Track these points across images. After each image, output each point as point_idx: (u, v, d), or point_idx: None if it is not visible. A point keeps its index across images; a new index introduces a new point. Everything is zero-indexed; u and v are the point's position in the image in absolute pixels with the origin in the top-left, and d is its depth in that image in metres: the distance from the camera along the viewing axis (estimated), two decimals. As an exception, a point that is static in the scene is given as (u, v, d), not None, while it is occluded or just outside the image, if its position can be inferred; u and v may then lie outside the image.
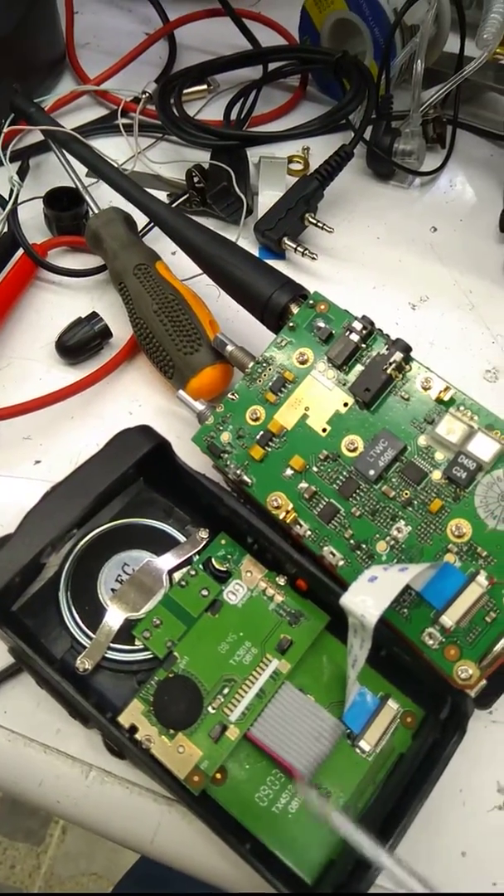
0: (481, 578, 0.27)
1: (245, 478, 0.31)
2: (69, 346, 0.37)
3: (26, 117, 0.42)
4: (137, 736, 0.27)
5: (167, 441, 0.31)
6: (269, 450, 0.31)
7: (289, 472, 0.31)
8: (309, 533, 0.30)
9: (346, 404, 0.31)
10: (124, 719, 0.27)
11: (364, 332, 0.31)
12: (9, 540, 0.28)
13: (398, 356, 0.30)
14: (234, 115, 0.49)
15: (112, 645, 0.28)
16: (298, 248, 0.41)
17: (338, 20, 0.48)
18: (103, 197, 0.42)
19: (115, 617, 0.29)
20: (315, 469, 0.30)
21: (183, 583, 0.30)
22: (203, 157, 0.45)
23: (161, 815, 0.28)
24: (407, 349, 0.30)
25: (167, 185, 0.46)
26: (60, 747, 0.29)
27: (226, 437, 0.32)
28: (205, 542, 0.31)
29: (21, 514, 0.29)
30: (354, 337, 0.31)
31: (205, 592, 0.29)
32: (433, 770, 0.26)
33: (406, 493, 0.29)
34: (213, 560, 0.30)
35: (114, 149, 0.46)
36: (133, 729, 0.27)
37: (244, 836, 0.26)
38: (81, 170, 0.42)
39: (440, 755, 0.26)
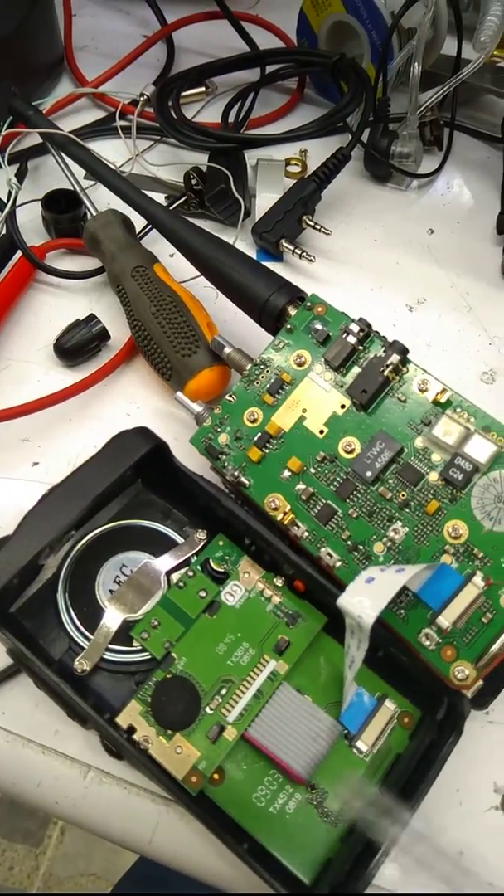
0: (478, 579, 0.27)
1: (243, 479, 0.31)
2: (67, 348, 0.37)
3: (24, 120, 0.43)
4: (135, 736, 0.27)
5: (165, 443, 0.31)
6: (267, 451, 0.31)
7: (286, 473, 0.31)
8: (306, 534, 0.30)
9: (343, 406, 0.31)
10: (122, 720, 0.27)
11: (361, 334, 0.31)
12: (7, 541, 0.28)
13: (395, 358, 0.30)
14: (231, 118, 0.49)
15: (110, 646, 0.29)
16: (296, 251, 0.41)
17: (335, 23, 0.48)
18: (101, 199, 0.42)
19: (113, 618, 0.29)
20: (312, 470, 0.30)
21: (181, 584, 0.30)
22: (201, 159, 0.46)
23: (159, 816, 0.28)
24: (404, 351, 0.30)
25: (165, 188, 0.46)
26: (59, 748, 0.29)
27: (223, 438, 0.32)
28: (203, 544, 0.31)
29: (19, 515, 0.29)
30: (351, 339, 0.31)
31: (203, 593, 0.30)
32: (430, 770, 0.26)
33: (403, 495, 0.29)
34: (210, 561, 0.30)
35: (112, 151, 0.46)
36: (131, 729, 0.27)
37: (242, 836, 0.26)
38: (80, 172, 0.42)
39: (437, 755, 0.26)
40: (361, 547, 0.29)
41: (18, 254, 0.40)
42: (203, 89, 0.51)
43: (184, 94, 0.49)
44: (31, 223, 0.43)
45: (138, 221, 0.40)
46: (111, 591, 0.30)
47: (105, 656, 0.28)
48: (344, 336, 0.31)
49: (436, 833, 0.28)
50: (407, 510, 0.29)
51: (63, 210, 0.42)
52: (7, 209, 0.41)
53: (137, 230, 0.41)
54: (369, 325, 0.31)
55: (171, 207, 0.44)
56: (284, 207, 0.42)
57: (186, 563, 0.30)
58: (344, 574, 0.29)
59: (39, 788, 0.28)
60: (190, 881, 0.28)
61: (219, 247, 0.36)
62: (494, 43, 0.45)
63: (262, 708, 0.28)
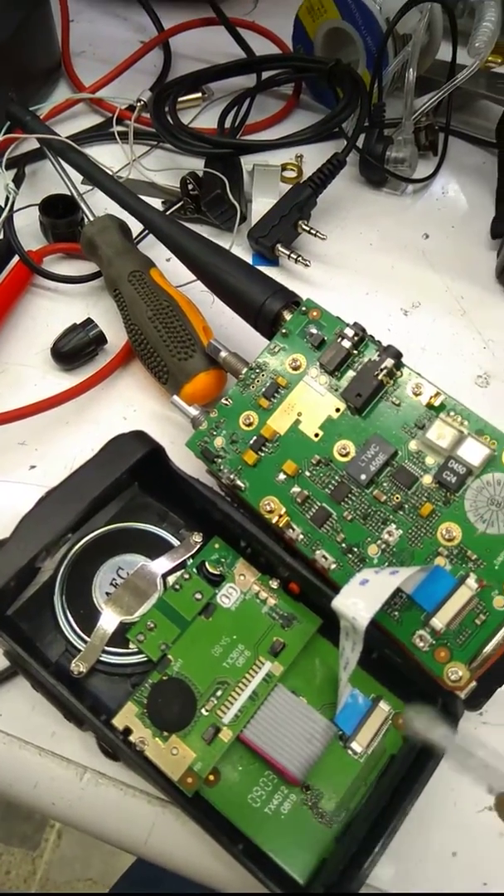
0: (471, 581, 0.27)
1: (238, 482, 0.31)
2: (64, 352, 0.38)
3: (22, 125, 0.43)
4: (131, 738, 0.27)
5: (161, 446, 0.31)
6: (262, 455, 0.31)
7: (281, 476, 0.31)
8: (301, 537, 0.30)
9: (338, 410, 0.31)
10: (118, 722, 0.27)
11: (356, 338, 0.31)
12: (4, 544, 0.29)
13: (389, 362, 0.30)
14: (228, 123, 0.49)
15: (107, 648, 0.29)
16: (292, 255, 0.42)
17: (331, 29, 0.49)
18: (98, 204, 0.42)
19: (109, 620, 0.29)
20: (307, 474, 0.31)
21: (177, 586, 0.30)
22: (197, 164, 0.46)
23: (155, 817, 0.28)
24: (398, 355, 0.30)
25: (162, 193, 0.46)
26: (55, 750, 0.29)
27: (219, 441, 0.32)
28: (198, 546, 0.31)
29: (16, 518, 0.29)
30: (346, 343, 0.31)
31: (198, 596, 0.30)
32: (424, 771, 0.26)
33: (397, 498, 0.29)
34: (206, 564, 0.30)
35: (109, 156, 0.47)
36: (127, 731, 0.27)
37: (237, 836, 0.26)
38: (77, 177, 0.42)
39: (430, 756, 0.26)
40: (356, 549, 0.29)
41: (16, 258, 0.40)
42: (199, 95, 0.51)
43: (180, 99, 0.50)
44: (28, 228, 0.43)
45: (135, 226, 0.40)
46: (108, 593, 0.30)
47: (101, 658, 0.29)
48: (339, 340, 0.31)
49: (428, 833, 0.28)
50: (401, 513, 0.29)
51: (60, 215, 0.42)
52: (4, 214, 0.41)
53: (134, 235, 0.42)
54: (364, 330, 0.31)
55: (168, 212, 0.44)
56: (280, 212, 0.43)
57: (182, 565, 0.31)
58: (339, 576, 0.29)
59: (36, 790, 0.29)
60: (186, 883, 0.29)
61: (215, 251, 0.36)
62: (489, 49, 0.45)
63: (258, 709, 0.28)
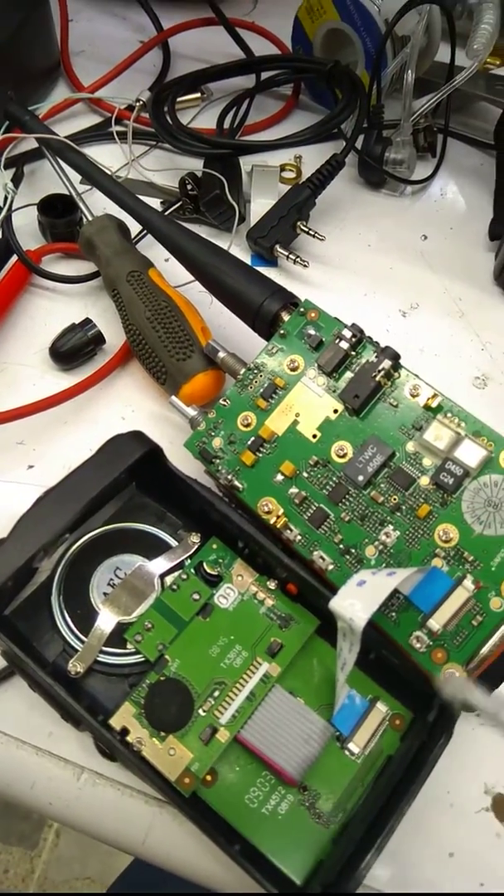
0: (468, 582, 0.27)
1: (236, 483, 0.31)
2: (63, 351, 0.38)
3: (21, 125, 0.43)
4: (129, 738, 0.27)
5: (159, 446, 0.31)
6: (260, 455, 0.31)
7: (279, 477, 0.31)
8: (299, 537, 0.30)
9: (335, 411, 0.31)
10: (116, 722, 0.27)
11: (353, 339, 0.31)
12: (2, 544, 0.29)
13: (387, 364, 0.30)
14: (227, 124, 0.49)
15: (104, 648, 0.29)
16: (290, 256, 0.42)
17: (330, 30, 0.49)
18: (97, 204, 0.42)
19: (106, 620, 0.29)
20: (305, 474, 0.31)
21: (174, 587, 0.30)
22: (196, 164, 0.46)
23: (152, 817, 0.28)
24: (395, 357, 0.30)
25: (160, 193, 0.46)
26: (53, 750, 0.29)
27: (217, 442, 0.32)
28: (196, 547, 0.31)
29: (14, 518, 0.29)
30: (344, 344, 0.31)
31: (196, 596, 0.30)
32: (420, 772, 0.26)
33: (394, 499, 0.29)
34: (204, 564, 0.30)
35: (108, 156, 0.47)
36: (124, 731, 0.27)
37: (234, 837, 0.26)
38: (75, 177, 0.42)
39: (427, 757, 0.26)
40: (353, 550, 0.29)
41: (14, 258, 0.40)
42: (198, 95, 0.51)
43: (179, 99, 0.50)
44: (27, 227, 0.43)
45: (134, 226, 0.40)
46: (105, 593, 0.30)
47: (99, 658, 0.29)
48: (336, 341, 0.31)
49: (426, 834, 0.28)
50: (398, 514, 0.29)
51: (59, 214, 0.42)
52: (3, 213, 0.41)
53: (133, 235, 0.42)
54: (361, 331, 0.32)
55: (167, 213, 0.44)
56: (279, 213, 0.43)
57: (180, 565, 0.31)
58: (336, 577, 0.29)
59: (33, 790, 0.29)
60: (184, 883, 0.29)
61: (213, 252, 0.36)
62: (487, 50, 0.45)
63: (255, 710, 0.28)
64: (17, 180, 0.44)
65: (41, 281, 0.41)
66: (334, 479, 0.30)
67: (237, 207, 0.43)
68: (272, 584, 0.30)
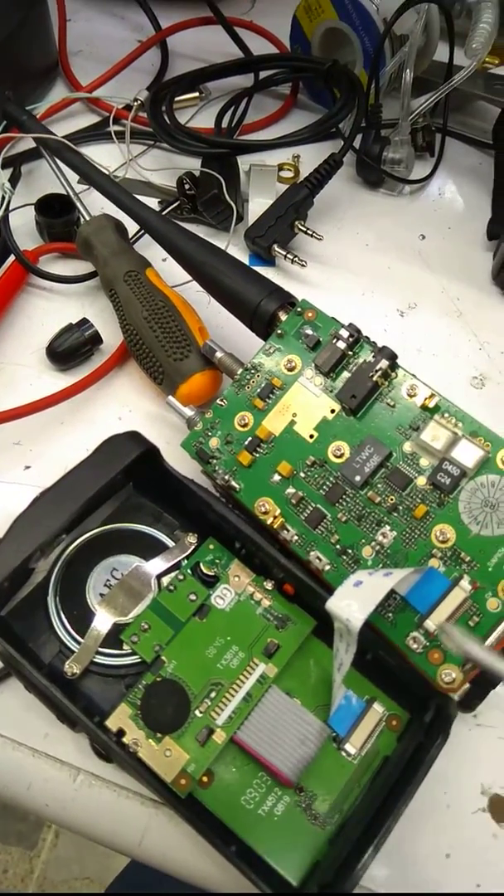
0: (464, 583, 0.27)
1: (233, 483, 0.31)
2: (60, 351, 0.38)
3: (18, 124, 0.43)
4: (125, 739, 0.27)
5: (155, 447, 0.31)
6: (257, 455, 0.31)
7: (276, 477, 0.31)
8: (296, 538, 0.30)
9: (332, 411, 0.31)
10: (112, 723, 0.27)
11: (351, 339, 0.31)
12: (-2, 545, 0.28)
13: (384, 363, 0.30)
14: (225, 123, 0.49)
15: (100, 649, 0.29)
16: (288, 256, 0.42)
17: (328, 29, 0.49)
18: (95, 204, 0.42)
19: (103, 621, 0.29)
20: (302, 475, 0.31)
21: (171, 587, 0.30)
22: (194, 164, 0.46)
23: (149, 818, 0.28)
24: (393, 357, 0.30)
25: (158, 192, 0.46)
26: (49, 751, 0.29)
27: (214, 442, 0.32)
28: (193, 547, 0.31)
29: (10, 519, 0.29)
30: (341, 344, 0.31)
31: (193, 597, 0.30)
32: (417, 773, 0.26)
33: (391, 499, 0.29)
34: (201, 565, 0.30)
35: (106, 156, 0.47)
36: (120, 733, 0.27)
37: (230, 838, 0.26)
38: (73, 177, 0.42)
39: (424, 758, 0.26)
40: (350, 551, 0.29)
41: (11, 258, 0.40)
42: (197, 94, 0.51)
43: (177, 99, 0.50)
44: (24, 227, 0.43)
45: (131, 226, 0.40)
46: (102, 594, 0.30)
47: (95, 660, 0.29)
48: (334, 341, 0.31)
49: (422, 835, 0.28)
50: (395, 514, 0.29)
51: (56, 214, 0.42)
52: (0, 213, 0.41)
53: (130, 235, 0.42)
54: (359, 331, 0.31)
55: (164, 212, 0.44)
56: (277, 212, 0.43)
57: (177, 566, 0.31)
58: (333, 577, 0.29)
59: (29, 791, 0.29)
60: (182, 884, 0.29)
61: (210, 252, 0.36)
62: (486, 50, 0.45)
63: (251, 711, 0.28)
64: (14, 180, 0.44)
65: (38, 281, 0.41)
66: (331, 479, 0.30)
67: (235, 207, 0.42)
68: (269, 585, 0.30)
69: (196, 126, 0.49)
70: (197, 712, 0.28)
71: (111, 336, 0.39)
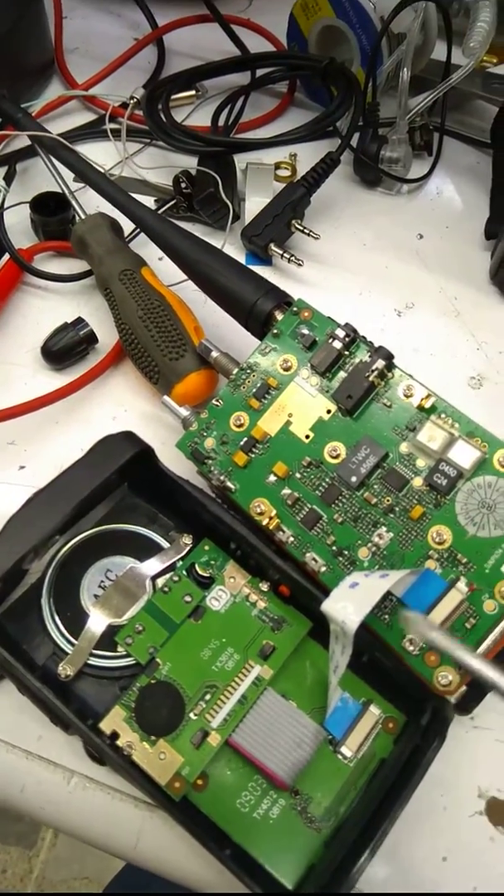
0: (461, 585, 0.27)
1: (228, 484, 0.31)
2: (54, 351, 0.37)
3: (13, 122, 0.42)
4: (119, 742, 0.27)
5: (150, 447, 0.31)
6: (253, 456, 0.31)
7: (272, 478, 0.31)
8: (292, 539, 0.30)
9: (329, 411, 0.31)
10: (105, 726, 0.27)
11: (347, 339, 0.31)
12: (-9, 546, 0.28)
13: (380, 363, 0.30)
14: (221, 121, 0.49)
15: (94, 651, 0.28)
16: (285, 255, 0.41)
17: (325, 27, 0.48)
18: (90, 202, 0.42)
19: (97, 623, 0.29)
20: (298, 475, 0.30)
21: (166, 589, 0.30)
22: (191, 162, 0.45)
23: (143, 821, 0.28)
24: (389, 357, 0.30)
25: (154, 191, 0.46)
26: (42, 753, 0.29)
27: (209, 442, 0.32)
28: (188, 548, 0.31)
29: (4, 519, 0.29)
30: (337, 344, 0.31)
31: (188, 598, 0.29)
32: (414, 775, 0.26)
33: (388, 500, 0.29)
34: (196, 566, 0.30)
35: (102, 154, 0.46)
36: (114, 735, 0.27)
37: (225, 841, 0.26)
38: (68, 175, 0.42)
39: (420, 761, 0.26)
40: (346, 552, 0.29)
41: (6, 256, 0.40)
42: (193, 92, 0.51)
43: (174, 97, 0.49)
44: (19, 225, 0.43)
45: (127, 225, 0.40)
46: (96, 595, 0.30)
47: (89, 662, 0.28)
48: (330, 341, 0.31)
49: (419, 838, 0.28)
50: (392, 515, 0.29)
51: (51, 213, 0.42)
52: (-5, 212, 0.41)
53: (126, 233, 0.41)
54: (355, 331, 0.31)
55: (160, 211, 0.44)
56: (273, 211, 0.42)
57: (172, 567, 0.30)
58: (329, 579, 0.29)
59: (23, 793, 0.28)
60: (176, 886, 0.28)
61: (206, 251, 0.36)
62: (484, 48, 0.45)
63: (247, 713, 0.28)
64: (9, 178, 0.44)
65: (33, 280, 0.41)
66: (327, 479, 0.30)
67: (231, 205, 0.42)
68: (265, 586, 0.30)
69: (193, 124, 0.48)
70: (192, 715, 0.27)
71: (106, 335, 0.38)
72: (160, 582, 0.30)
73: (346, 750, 0.28)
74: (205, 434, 0.32)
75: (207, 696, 0.28)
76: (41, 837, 0.95)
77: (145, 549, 0.31)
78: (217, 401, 0.32)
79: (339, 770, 0.28)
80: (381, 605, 0.28)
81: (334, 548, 0.29)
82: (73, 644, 0.29)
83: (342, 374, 0.31)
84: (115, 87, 0.50)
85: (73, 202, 0.41)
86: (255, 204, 0.43)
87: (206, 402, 0.33)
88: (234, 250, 0.43)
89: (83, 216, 0.40)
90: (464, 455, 0.28)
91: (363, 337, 0.31)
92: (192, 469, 0.33)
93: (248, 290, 0.34)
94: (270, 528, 0.30)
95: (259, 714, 0.28)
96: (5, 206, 0.41)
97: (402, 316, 0.42)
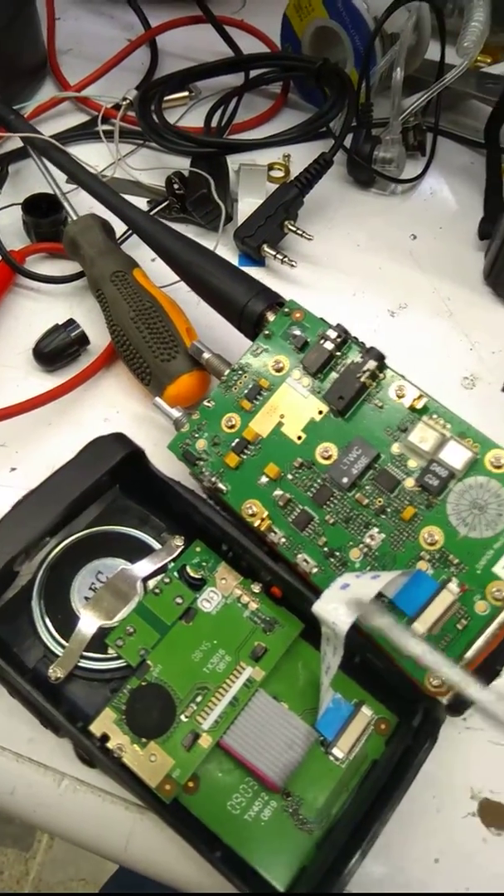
0: (453, 586, 0.27)
1: (220, 485, 0.31)
2: (46, 352, 0.37)
3: (5, 124, 0.42)
4: (109, 745, 0.27)
5: (141, 449, 0.31)
6: (245, 457, 0.31)
7: (264, 479, 0.31)
8: (283, 540, 0.30)
9: (320, 412, 0.31)
10: (96, 728, 0.27)
11: (338, 340, 0.31)
12: (-19, 548, 0.28)
13: (372, 364, 0.30)
14: (215, 122, 0.49)
15: (85, 653, 0.28)
16: (278, 256, 0.41)
17: (318, 28, 0.48)
18: (83, 203, 0.42)
19: (88, 625, 0.29)
20: (290, 477, 0.30)
21: (157, 590, 0.30)
22: (184, 163, 0.45)
23: (133, 823, 0.28)
24: (380, 357, 0.30)
25: (147, 192, 0.46)
26: (33, 756, 0.29)
27: (201, 444, 0.32)
28: (180, 550, 0.31)
29: (-5, 521, 0.29)
30: (329, 345, 0.31)
31: (179, 600, 0.29)
32: (405, 777, 0.26)
33: (379, 501, 0.29)
34: (187, 567, 0.30)
35: (94, 155, 0.46)
36: (104, 738, 0.27)
37: (216, 844, 0.26)
38: (60, 176, 0.42)
39: (412, 762, 0.26)
40: (338, 553, 0.29)
41: (-2, 258, 0.40)
42: (186, 94, 0.51)
43: (167, 98, 0.49)
44: (11, 227, 0.43)
45: (119, 226, 0.40)
46: (87, 598, 0.30)
47: (80, 664, 0.28)
48: (321, 342, 0.31)
49: (412, 839, 0.28)
50: (383, 516, 0.29)
51: (43, 214, 0.42)
52: (-13, 213, 0.41)
53: (118, 235, 0.41)
54: (346, 331, 0.31)
55: (153, 212, 0.44)
56: (266, 212, 0.42)
57: (163, 569, 0.30)
58: (320, 580, 0.29)
59: (13, 796, 0.28)
60: (171, 888, 0.28)
61: (197, 252, 0.36)
62: (478, 48, 0.45)
63: (238, 715, 0.28)
64: (1, 180, 0.44)
65: (25, 281, 0.41)
66: (319, 480, 0.30)
67: (224, 207, 0.42)
68: (256, 588, 0.30)
69: (186, 125, 0.48)
70: (182, 717, 0.27)
71: (98, 337, 0.38)
72: (151, 584, 0.30)
73: (338, 751, 0.28)
74: (196, 435, 0.32)
75: (199, 698, 0.28)
76: (37, 840, 0.95)
77: (137, 551, 0.31)
78: (209, 402, 0.32)
79: (331, 771, 0.27)
80: (372, 607, 0.28)
81: (326, 549, 0.29)
82: (63, 646, 0.28)
83: (334, 375, 0.31)
84: (109, 89, 0.50)
85: (65, 203, 0.41)
86: (247, 205, 0.43)
87: (198, 404, 0.33)
88: (227, 251, 0.43)
89: (75, 218, 0.40)
90: (455, 456, 0.28)
91: (355, 338, 0.31)
92: (184, 470, 0.32)
93: (239, 292, 0.34)
94: (262, 529, 0.30)
95: (250, 716, 0.28)
96: (-3, 207, 0.41)
97: (396, 316, 0.42)
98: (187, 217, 0.44)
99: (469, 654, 0.26)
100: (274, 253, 0.42)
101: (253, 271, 0.36)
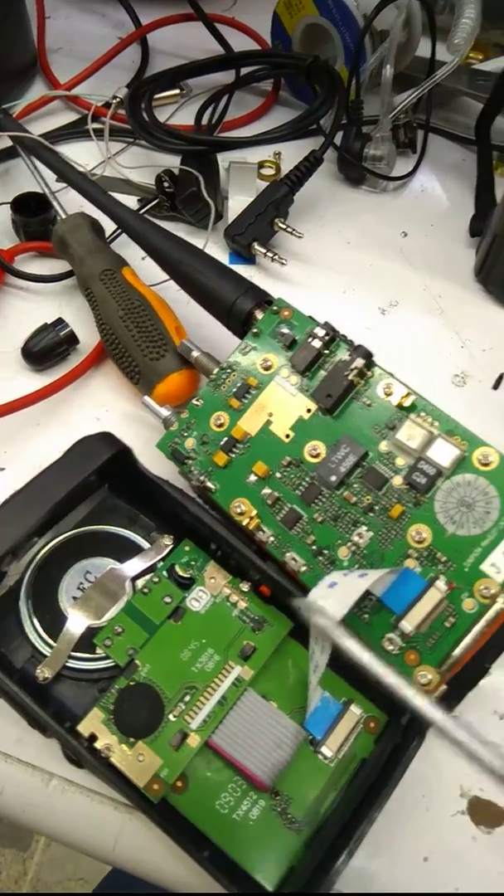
0: (440, 583, 0.27)
1: (209, 484, 0.31)
2: (35, 352, 0.37)
3: (-6, 123, 0.42)
4: (97, 745, 0.26)
5: (128, 448, 0.31)
6: (233, 456, 0.31)
7: (252, 478, 0.30)
8: (272, 539, 0.30)
9: (309, 410, 0.31)
10: (84, 728, 0.27)
11: (326, 338, 0.31)
12: (-32, 548, 0.28)
13: (360, 362, 0.30)
14: (205, 120, 0.48)
15: (73, 653, 0.28)
16: (268, 254, 0.41)
17: (309, 25, 0.48)
18: (73, 203, 0.41)
19: (76, 625, 0.29)
20: (278, 475, 0.30)
21: (146, 590, 0.29)
22: (174, 161, 0.45)
23: (122, 823, 0.28)
24: (368, 355, 0.30)
25: (137, 190, 0.46)
26: (21, 756, 0.29)
27: (190, 443, 0.32)
28: (169, 549, 0.30)
29: (-17, 522, 0.29)
30: (317, 343, 0.31)
31: (168, 599, 0.29)
32: (392, 776, 0.26)
33: (367, 499, 0.29)
34: (176, 567, 0.30)
35: (85, 153, 0.46)
36: (92, 738, 0.27)
37: (204, 843, 0.26)
38: (50, 175, 0.42)
39: (400, 759, 0.26)
40: (326, 551, 0.29)
41: (-13, 257, 0.40)
42: (177, 91, 0.51)
43: (158, 96, 0.49)
44: (0, 226, 0.42)
45: (108, 225, 0.40)
46: (75, 597, 0.30)
47: (68, 664, 0.28)
48: (309, 340, 0.31)
49: (400, 838, 0.28)
50: (371, 514, 0.29)
51: (33, 213, 0.42)
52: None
53: (107, 233, 0.41)
54: (334, 329, 0.31)
55: (143, 210, 0.44)
56: (257, 210, 0.42)
57: (152, 568, 0.30)
58: (309, 579, 0.29)
59: (2, 796, 0.28)
60: (164, 887, 0.28)
61: (186, 250, 0.35)
62: (469, 45, 0.45)
63: (226, 714, 0.27)
64: (-9, 178, 0.44)
65: (14, 280, 0.41)
66: (307, 479, 0.30)
67: (213, 205, 0.42)
68: (245, 587, 0.30)
69: (177, 123, 0.48)
70: (171, 716, 0.27)
71: (88, 336, 0.38)
72: (140, 583, 0.30)
73: (327, 750, 0.27)
74: (185, 434, 0.32)
75: (187, 698, 0.28)
76: (35, 839, 0.95)
77: (125, 551, 0.31)
78: (197, 400, 0.32)
79: (320, 770, 0.27)
80: (360, 605, 0.28)
81: (314, 547, 0.29)
82: (51, 646, 0.28)
83: (322, 373, 0.31)
84: (99, 87, 0.50)
85: (54, 202, 0.41)
86: (238, 203, 0.43)
87: (187, 402, 0.33)
88: (218, 249, 0.43)
89: (64, 216, 0.40)
90: (443, 453, 0.28)
91: (343, 335, 0.31)
92: (174, 469, 0.32)
93: (227, 290, 0.34)
94: (251, 528, 0.30)
95: (239, 715, 0.28)
96: (-14, 206, 0.41)
97: (387, 314, 0.42)
98: (177, 215, 0.44)
99: (457, 651, 0.26)
100: (264, 251, 0.41)
101: (243, 269, 0.35)
